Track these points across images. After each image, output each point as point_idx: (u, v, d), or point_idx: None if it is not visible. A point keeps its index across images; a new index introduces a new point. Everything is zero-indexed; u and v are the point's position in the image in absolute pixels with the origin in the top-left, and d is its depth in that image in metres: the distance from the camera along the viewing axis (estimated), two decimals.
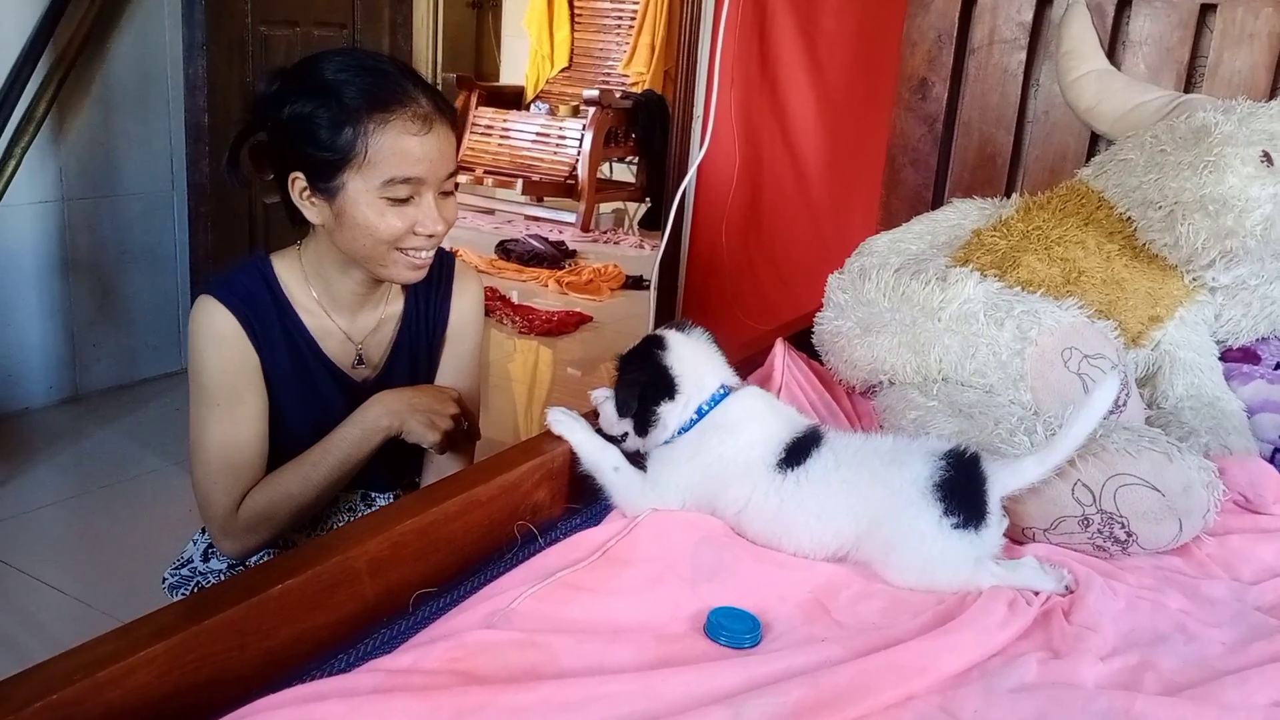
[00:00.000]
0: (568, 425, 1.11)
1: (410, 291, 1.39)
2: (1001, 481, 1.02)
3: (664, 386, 1.06)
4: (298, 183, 1.23)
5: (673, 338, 1.10)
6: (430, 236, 1.24)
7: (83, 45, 2.84)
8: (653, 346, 1.09)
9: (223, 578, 1.36)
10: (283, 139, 1.23)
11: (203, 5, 2.43)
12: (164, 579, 1.40)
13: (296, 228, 1.32)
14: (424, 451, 1.40)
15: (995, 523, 1.01)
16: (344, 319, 1.35)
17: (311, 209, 1.24)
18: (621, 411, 1.09)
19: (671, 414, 1.07)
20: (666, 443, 1.08)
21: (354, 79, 1.20)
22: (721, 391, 1.08)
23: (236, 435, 1.28)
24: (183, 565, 1.41)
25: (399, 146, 1.19)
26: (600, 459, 1.08)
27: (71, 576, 2.22)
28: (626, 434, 1.10)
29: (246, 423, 1.29)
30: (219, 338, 1.26)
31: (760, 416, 1.07)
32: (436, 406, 1.31)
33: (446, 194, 1.27)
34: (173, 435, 2.83)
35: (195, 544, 1.43)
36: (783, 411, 1.11)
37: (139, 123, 3.10)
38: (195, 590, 1.36)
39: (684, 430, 1.07)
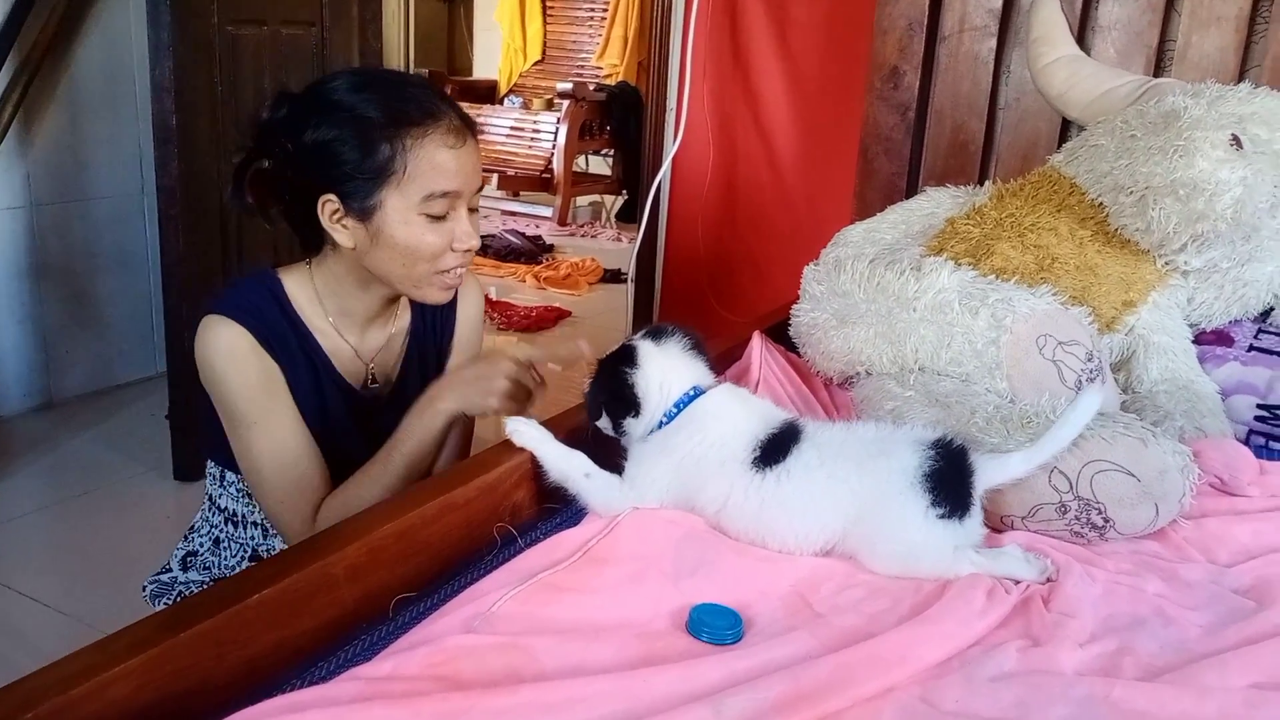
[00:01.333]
0: (529, 436, 1.09)
1: (417, 305, 1.38)
2: (987, 475, 1.02)
3: (626, 402, 1.06)
4: (329, 205, 1.19)
5: (643, 349, 1.08)
6: (466, 252, 1.23)
7: (48, 49, 2.81)
8: (619, 362, 1.08)
9: (200, 588, 1.35)
10: (305, 164, 1.20)
11: (168, 6, 2.40)
12: (144, 587, 1.39)
13: (306, 250, 1.29)
14: None
15: (977, 513, 1.02)
16: (354, 337, 1.33)
17: (344, 232, 1.21)
18: (591, 416, 1.11)
19: (637, 426, 1.07)
20: (641, 440, 1.08)
21: (376, 95, 1.19)
22: (690, 393, 1.07)
23: (285, 447, 1.23)
24: (162, 573, 1.40)
25: (436, 160, 1.18)
26: (568, 467, 1.07)
27: (50, 586, 2.21)
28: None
29: (289, 432, 1.24)
30: (235, 354, 1.21)
31: (729, 413, 1.06)
32: (486, 371, 1.25)
33: (473, 210, 1.25)
34: (151, 441, 2.82)
35: (175, 553, 1.41)
36: (757, 407, 1.10)
37: (107, 125, 3.07)
38: (176, 599, 1.35)
39: (654, 430, 1.07)
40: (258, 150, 1.25)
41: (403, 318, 1.38)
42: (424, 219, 1.19)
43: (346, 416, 1.32)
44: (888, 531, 0.99)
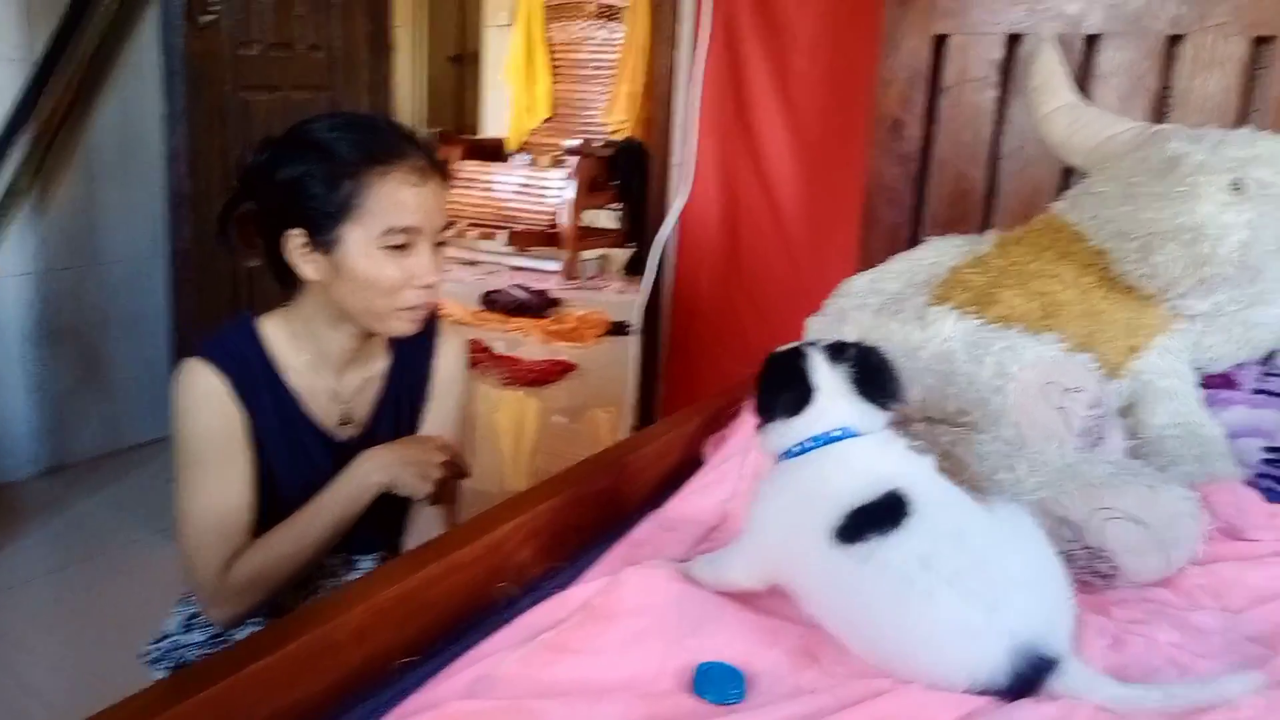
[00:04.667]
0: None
1: (395, 350, 1.41)
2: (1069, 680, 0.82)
3: (791, 396, 0.93)
4: (295, 239, 1.25)
5: (813, 358, 0.94)
6: (427, 288, 1.27)
7: (65, 115, 2.86)
8: (793, 355, 0.96)
9: (203, 649, 1.34)
10: (277, 201, 1.26)
11: (183, 74, 2.45)
12: (144, 653, 1.38)
13: (284, 290, 1.33)
14: (406, 511, 1.40)
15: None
16: (331, 378, 1.36)
17: (309, 266, 1.26)
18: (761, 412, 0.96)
19: (782, 436, 0.93)
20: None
21: (348, 135, 1.25)
22: (838, 434, 0.91)
23: (227, 498, 1.27)
24: (163, 638, 1.39)
25: (397, 198, 1.23)
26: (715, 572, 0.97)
27: (59, 651, 2.20)
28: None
29: (236, 485, 1.28)
30: (205, 398, 1.26)
31: (863, 466, 0.89)
32: (426, 457, 1.31)
33: (439, 245, 1.30)
34: (157, 504, 2.81)
35: (176, 615, 1.41)
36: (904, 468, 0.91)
37: (122, 191, 3.12)
38: (176, 664, 1.35)
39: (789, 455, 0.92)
40: (242, 193, 1.31)
41: (380, 361, 1.41)
42: (384, 253, 1.23)
43: (322, 458, 1.34)
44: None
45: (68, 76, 2.82)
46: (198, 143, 2.52)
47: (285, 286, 1.33)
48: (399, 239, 1.23)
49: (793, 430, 0.92)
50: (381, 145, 1.24)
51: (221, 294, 2.63)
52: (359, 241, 1.23)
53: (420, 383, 1.44)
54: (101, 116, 3.03)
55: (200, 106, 2.52)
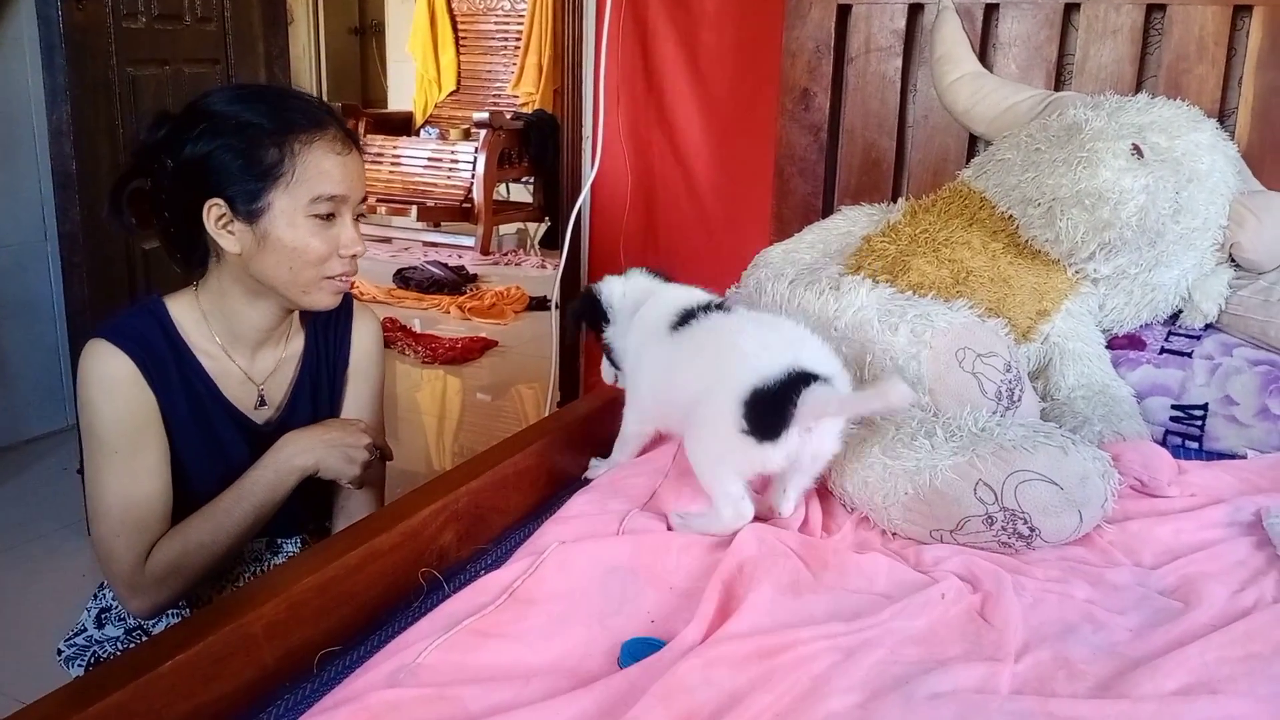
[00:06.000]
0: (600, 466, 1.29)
1: (310, 330, 1.38)
2: (810, 408, 1.00)
3: (597, 315, 1.26)
4: (214, 210, 1.21)
5: (606, 280, 1.29)
6: (352, 258, 1.26)
7: None
8: (588, 291, 1.30)
9: (119, 645, 1.30)
10: (189, 175, 1.22)
11: (64, 49, 2.32)
12: (59, 651, 1.33)
13: (185, 270, 1.30)
14: (331, 494, 1.37)
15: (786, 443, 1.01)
16: (244, 360, 1.32)
17: (229, 238, 1.22)
18: (566, 337, 1.35)
19: (615, 335, 1.26)
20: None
21: (263, 104, 1.23)
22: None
23: (138, 486, 1.23)
24: (77, 634, 1.34)
25: (323, 166, 1.22)
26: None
27: None
28: (617, 376, 1.29)
29: (148, 472, 1.23)
30: (113, 382, 1.21)
31: (672, 295, 1.21)
32: (350, 440, 1.29)
33: (358, 218, 1.29)
34: (62, 497, 2.70)
35: (89, 611, 1.36)
36: (699, 295, 1.22)
37: (4, 172, 2.97)
38: (92, 660, 1.30)
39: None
40: (136, 170, 1.26)
41: (295, 342, 1.38)
42: (310, 221, 1.22)
43: (240, 440, 1.31)
44: (699, 428, 1.06)
45: None
46: (83, 120, 2.39)
47: (186, 266, 1.29)
48: (325, 207, 1.22)
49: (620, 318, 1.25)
50: (302, 114, 1.23)
51: (115, 277, 2.52)
52: (285, 210, 1.21)
53: (338, 364, 1.41)
54: None
55: (83, 82, 2.39)
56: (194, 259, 1.28)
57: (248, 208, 1.20)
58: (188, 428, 1.27)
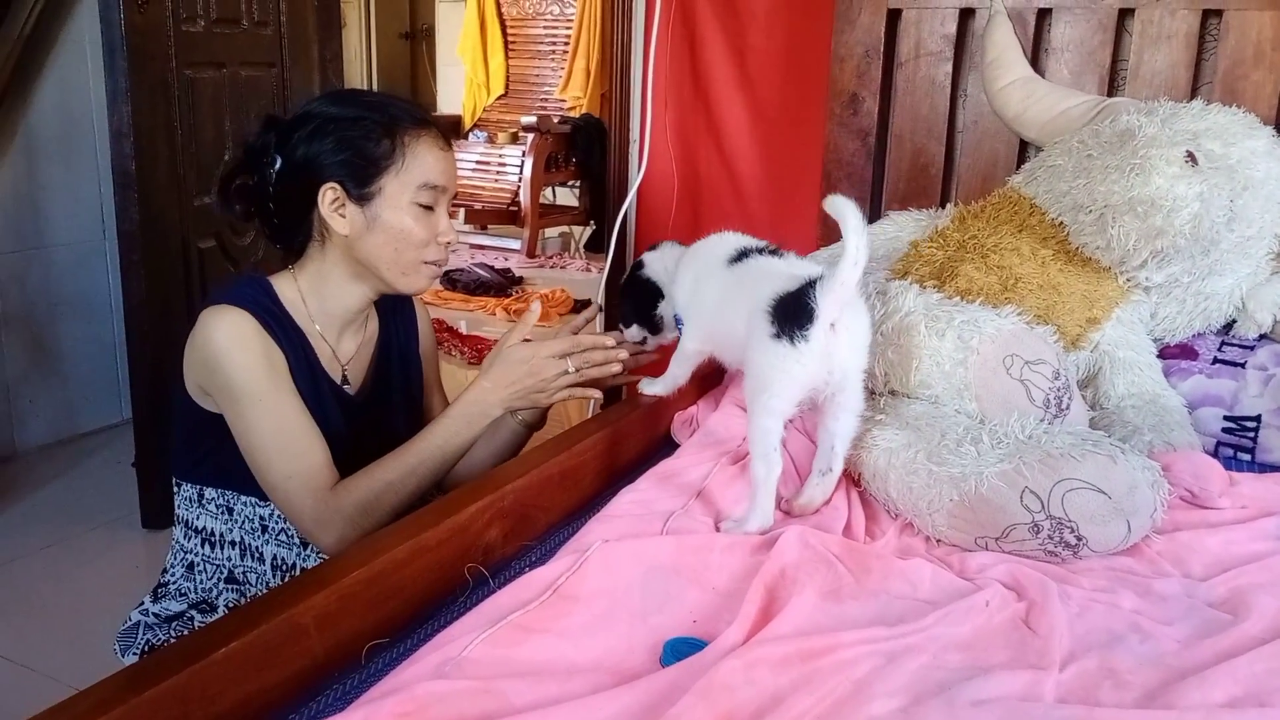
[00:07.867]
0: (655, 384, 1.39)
1: (383, 317, 1.48)
2: (830, 298, 1.07)
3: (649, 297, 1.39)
4: (329, 194, 1.30)
5: (647, 256, 1.42)
6: (447, 245, 1.36)
7: (2, 97, 2.78)
8: (634, 269, 1.43)
9: (173, 623, 1.34)
10: (303, 166, 1.31)
11: (124, 51, 2.38)
12: (118, 640, 1.37)
13: (287, 255, 1.38)
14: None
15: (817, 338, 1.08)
16: (333, 340, 1.39)
17: (341, 220, 1.31)
18: (625, 323, 1.45)
19: (666, 311, 1.39)
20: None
21: (373, 101, 1.34)
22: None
23: (291, 423, 1.27)
24: (132, 625, 1.37)
25: (429, 158, 1.32)
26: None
27: (20, 642, 2.15)
28: (645, 339, 1.44)
29: (296, 410, 1.28)
30: (242, 335, 1.26)
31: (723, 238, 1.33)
32: (538, 368, 1.35)
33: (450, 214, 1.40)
34: (118, 490, 2.77)
35: (143, 603, 1.39)
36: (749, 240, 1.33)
37: (65, 172, 3.04)
38: (146, 648, 1.33)
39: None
40: (243, 166, 1.35)
41: (371, 326, 1.46)
42: (415, 208, 1.31)
43: (337, 409, 1.37)
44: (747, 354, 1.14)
45: (2, 57, 2.74)
46: (142, 121, 2.45)
47: (289, 252, 1.38)
48: (429, 196, 1.32)
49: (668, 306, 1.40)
50: (407, 113, 1.33)
51: (172, 275, 2.58)
52: (394, 195, 1.30)
53: (409, 347, 1.51)
54: (40, 96, 2.95)
55: (144, 84, 2.45)
56: (295, 245, 1.36)
57: (360, 191, 1.29)
58: (305, 387, 1.31)
